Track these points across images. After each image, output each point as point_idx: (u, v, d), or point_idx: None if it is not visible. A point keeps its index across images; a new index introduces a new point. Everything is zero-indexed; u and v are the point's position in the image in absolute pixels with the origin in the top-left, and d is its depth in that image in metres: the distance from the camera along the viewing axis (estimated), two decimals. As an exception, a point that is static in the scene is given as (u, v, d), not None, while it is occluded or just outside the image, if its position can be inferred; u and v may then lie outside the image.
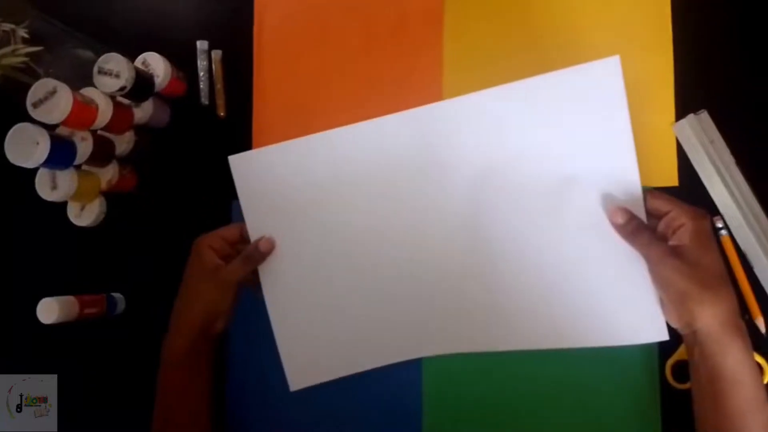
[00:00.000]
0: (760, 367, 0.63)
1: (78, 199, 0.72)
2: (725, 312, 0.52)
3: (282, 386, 0.66)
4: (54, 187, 0.69)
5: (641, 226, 0.57)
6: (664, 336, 0.58)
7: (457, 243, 0.63)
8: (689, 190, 0.67)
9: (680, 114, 0.67)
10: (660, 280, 0.56)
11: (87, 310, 0.70)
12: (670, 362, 0.65)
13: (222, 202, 0.75)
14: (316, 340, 0.66)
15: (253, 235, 0.65)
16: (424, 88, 0.73)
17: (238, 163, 0.66)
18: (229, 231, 0.66)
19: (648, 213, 0.58)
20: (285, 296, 0.66)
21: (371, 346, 0.66)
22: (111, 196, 0.75)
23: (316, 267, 0.65)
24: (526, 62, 0.70)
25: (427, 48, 0.73)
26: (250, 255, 0.64)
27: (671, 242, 0.55)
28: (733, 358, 0.51)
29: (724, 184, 0.65)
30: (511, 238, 0.62)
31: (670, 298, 0.55)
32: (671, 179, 0.67)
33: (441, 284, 0.64)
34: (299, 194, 0.65)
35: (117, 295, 0.75)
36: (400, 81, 0.73)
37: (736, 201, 0.65)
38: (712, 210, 0.66)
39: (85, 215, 0.74)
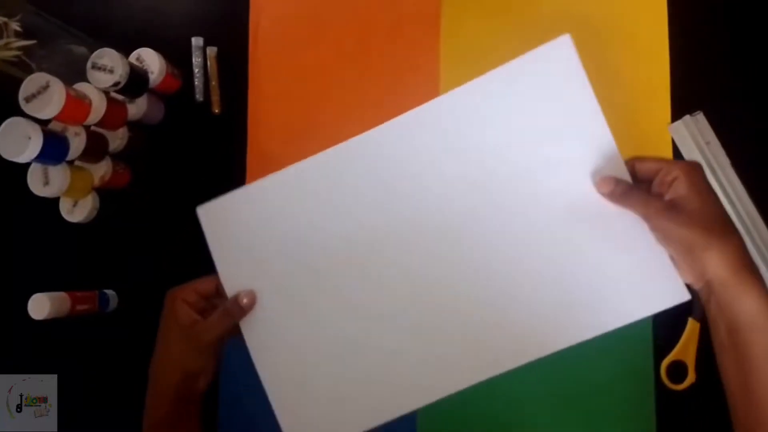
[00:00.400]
0: None
1: (71, 194, 0.71)
2: (735, 256, 0.49)
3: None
4: (46, 182, 0.68)
5: (631, 188, 0.54)
6: (686, 296, 0.54)
7: (448, 261, 0.59)
8: (685, 191, 0.66)
9: (676, 115, 0.67)
10: (664, 236, 0.53)
11: (79, 307, 0.70)
12: (665, 363, 0.65)
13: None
14: (312, 393, 0.60)
15: (228, 287, 0.60)
16: (421, 88, 0.73)
17: (206, 212, 0.61)
18: (203, 284, 0.61)
19: (639, 180, 0.55)
20: (271, 348, 0.60)
21: (377, 396, 0.59)
22: (104, 192, 0.75)
23: (301, 313, 0.60)
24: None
25: (424, 49, 0.73)
26: (229, 310, 0.59)
27: (667, 196, 0.52)
28: (749, 305, 0.48)
29: (719, 186, 0.65)
30: (504, 239, 0.58)
31: (678, 251, 0.52)
32: (667, 180, 0.67)
33: (440, 314, 0.59)
34: (274, 238, 0.61)
35: (109, 292, 0.75)
36: (397, 80, 0.73)
37: (731, 202, 0.65)
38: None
39: (77, 211, 0.73)
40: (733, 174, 0.65)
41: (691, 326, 0.64)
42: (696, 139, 0.66)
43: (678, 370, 0.65)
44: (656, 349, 0.65)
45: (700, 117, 0.66)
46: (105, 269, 0.76)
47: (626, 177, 0.55)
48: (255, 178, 0.73)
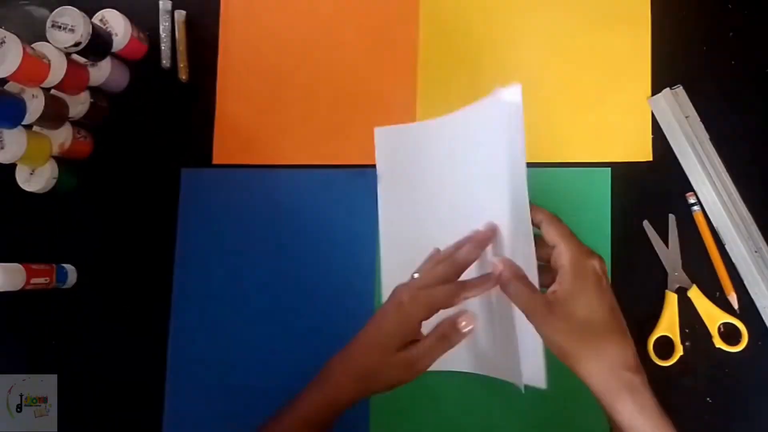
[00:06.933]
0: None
1: (27, 161, 0.68)
2: (608, 367, 0.48)
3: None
4: (1, 147, 0.64)
5: (513, 277, 0.51)
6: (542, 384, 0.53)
7: None
8: (664, 165, 0.66)
9: (656, 88, 0.66)
10: (540, 334, 0.50)
11: (35, 280, 0.66)
12: (651, 339, 0.63)
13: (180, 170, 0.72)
14: None
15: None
16: (398, 56, 0.70)
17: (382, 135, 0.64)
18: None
19: (543, 245, 0.52)
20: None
21: None
22: (65, 161, 0.71)
23: None
24: (503, 51, 0.70)
25: (401, 15, 0.71)
26: (446, 335, 0.54)
27: (551, 288, 0.50)
28: (622, 416, 0.47)
29: (698, 160, 0.64)
30: None
31: (554, 353, 0.49)
32: (646, 154, 0.66)
33: None
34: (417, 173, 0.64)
35: (68, 266, 0.71)
36: (372, 48, 0.71)
37: (709, 177, 0.64)
38: (686, 186, 0.65)
39: (34, 180, 0.69)
40: (712, 148, 0.65)
41: (669, 299, 0.63)
42: (675, 113, 0.65)
43: (665, 345, 0.63)
44: (641, 326, 0.64)
45: (680, 91, 0.66)
46: (63, 242, 0.73)
47: (529, 232, 0.52)
48: (223, 149, 0.72)
